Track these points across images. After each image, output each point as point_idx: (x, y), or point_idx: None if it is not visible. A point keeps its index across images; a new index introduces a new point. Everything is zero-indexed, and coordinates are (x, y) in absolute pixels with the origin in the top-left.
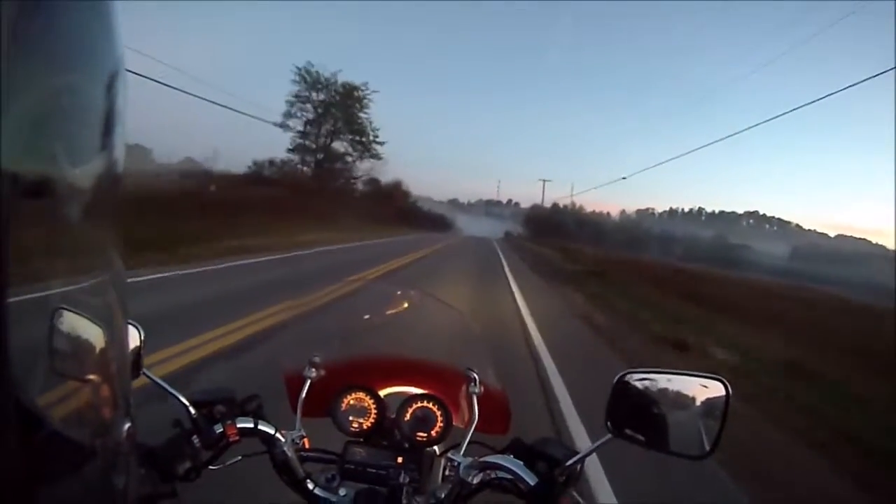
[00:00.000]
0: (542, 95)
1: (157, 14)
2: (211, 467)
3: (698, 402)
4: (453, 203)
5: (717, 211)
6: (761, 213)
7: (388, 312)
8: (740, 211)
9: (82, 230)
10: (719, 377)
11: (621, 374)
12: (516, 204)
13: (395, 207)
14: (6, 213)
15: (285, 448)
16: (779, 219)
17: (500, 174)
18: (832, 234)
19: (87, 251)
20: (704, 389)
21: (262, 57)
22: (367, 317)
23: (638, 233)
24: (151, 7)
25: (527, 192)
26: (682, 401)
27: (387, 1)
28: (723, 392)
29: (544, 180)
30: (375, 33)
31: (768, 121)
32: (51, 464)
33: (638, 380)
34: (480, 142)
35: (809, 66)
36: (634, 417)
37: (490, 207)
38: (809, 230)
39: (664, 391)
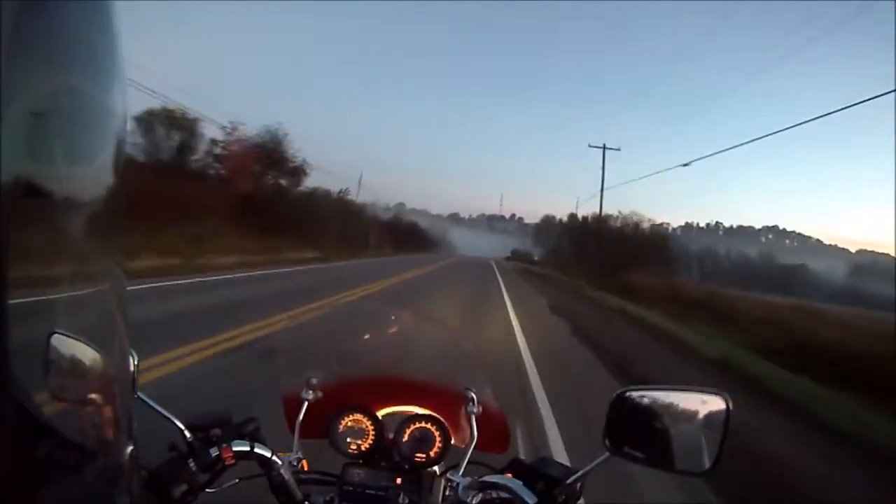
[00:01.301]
0: (543, 112)
1: None
2: (208, 490)
3: (698, 417)
4: (454, 217)
5: (735, 225)
6: (780, 227)
7: (387, 333)
8: (758, 226)
9: (82, 238)
10: (719, 391)
11: (619, 391)
12: (520, 219)
13: (270, 208)
14: (6, 214)
15: (283, 470)
16: (798, 233)
17: (503, 189)
18: (853, 250)
19: (87, 262)
20: (704, 404)
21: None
22: (366, 337)
23: (676, 251)
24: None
25: (531, 208)
26: (682, 416)
27: (385, 1)
28: (723, 406)
29: (605, 147)
30: (378, 38)
31: (782, 130)
32: (53, 482)
33: (636, 396)
34: (482, 156)
35: (819, 71)
36: (633, 434)
37: (492, 222)
38: (830, 245)
39: (663, 407)
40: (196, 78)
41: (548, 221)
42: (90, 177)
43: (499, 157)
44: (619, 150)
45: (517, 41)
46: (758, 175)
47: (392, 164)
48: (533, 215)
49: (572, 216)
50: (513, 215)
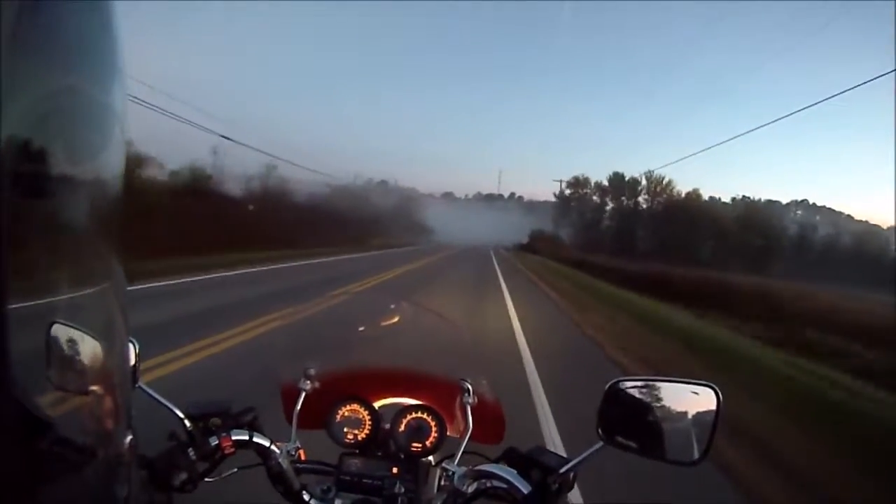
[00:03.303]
0: (547, 85)
1: None
2: (207, 479)
3: (689, 409)
4: (448, 197)
5: (762, 199)
6: (810, 202)
7: (383, 324)
8: (785, 200)
9: (82, 235)
10: (710, 384)
11: (613, 381)
12: (520, 197)
13: None
14: (6, 214)
15: (280, 460)
16: (829, 209)
17: (501, 166)
18: (885, 227)
19: (87, 258)
20: (695, 396)
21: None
22: (361, 328)
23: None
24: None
25: (530, 186)
26: (674, 408)
27: None
28: (713, 399)
29: None
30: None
31: (811, 106)
32: (54, 472)
33: (629, 387)
34: (478, 132)
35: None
36: (626, 424)
37: (490, 201)
38: (861, 221)
39: (655, 398)
40: (189, 76)
41: (579, 187)
42: (90, 177)
43: (495, 132)
44: (585, 177)
45: (518, 15)
46: (775, 151)
47: (381, 144)
48: (532, 194)
49: (616, 176)
50: (512, 194)
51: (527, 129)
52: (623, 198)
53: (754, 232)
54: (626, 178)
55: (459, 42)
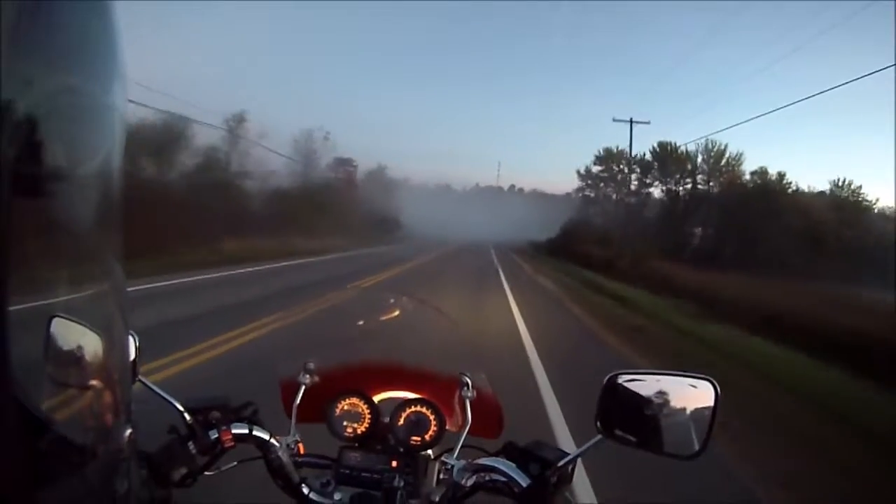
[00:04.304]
0: (546, 78)
1: None
2: (206, 473)
3: (688, 402)
4: (445, 189)
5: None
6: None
7: (382, 318)
8: (805, 187)
9: (82, 233)
10: (708, 377)
11: (611, 374)
12: (520, 189)
13: None
14: (6, 214)
15: (280, 453)
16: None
17: (500, 158)
18: None
19: (86, 255)
20: (693, 389)
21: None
22: (360, 322)
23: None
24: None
25: (530, 178)
26: (672, 401)
27: None
28: (711, 392)
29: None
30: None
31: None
32: (54, 468)
33: (628, 381)
34: (477, 122)
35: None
36: (625, 418)
37: (489, 194)
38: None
39: (654, 391)
40: (186, 74)
41: (612, 161)
42: (90, 177)
43: (494, 122)
44: (648, 122)
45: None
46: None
47: (378, 141)
48: (533, 185)
49: (663, 146)
50: (512, 186)
51: (526, 119)
52: (678, 176)
53: (856, 230)
54: (678, 149)
55: (457, 39)
